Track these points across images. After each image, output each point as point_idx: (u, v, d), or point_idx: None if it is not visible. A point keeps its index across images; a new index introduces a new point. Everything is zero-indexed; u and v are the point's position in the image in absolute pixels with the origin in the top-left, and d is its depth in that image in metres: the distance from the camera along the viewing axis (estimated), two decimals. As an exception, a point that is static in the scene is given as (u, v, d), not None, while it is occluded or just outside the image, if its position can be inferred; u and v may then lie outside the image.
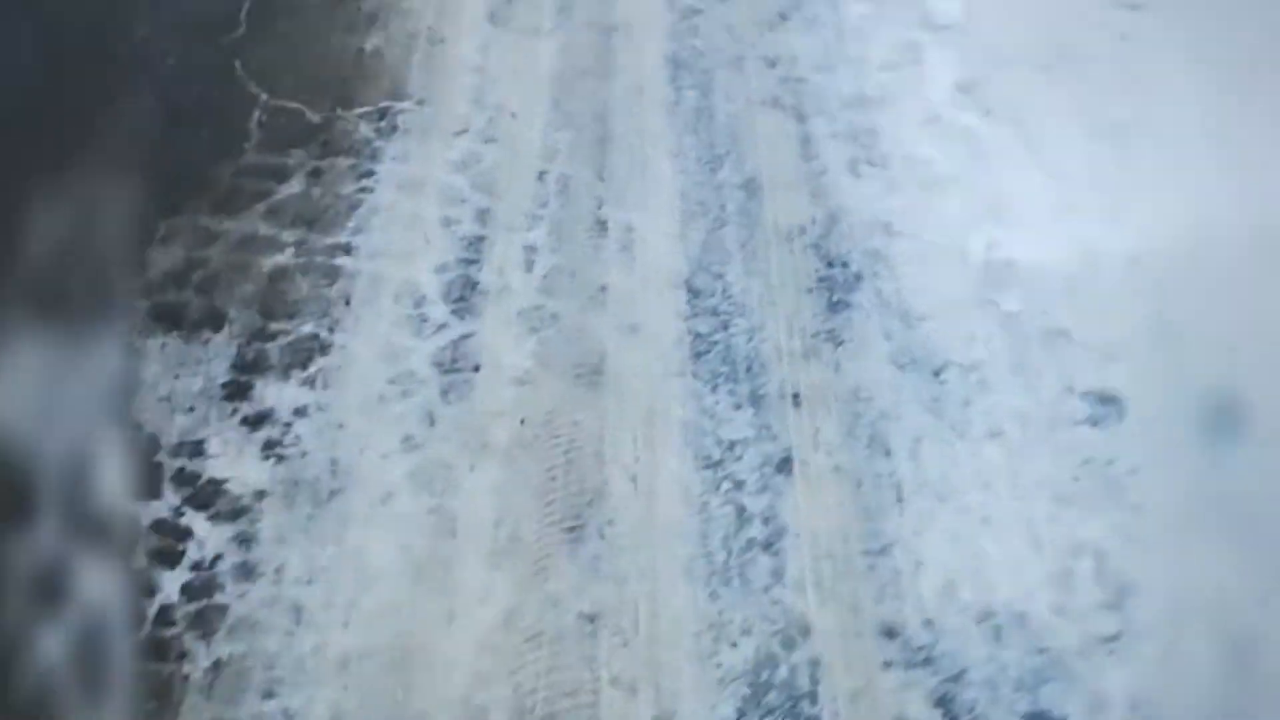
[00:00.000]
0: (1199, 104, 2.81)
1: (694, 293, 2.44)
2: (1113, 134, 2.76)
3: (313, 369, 2.31)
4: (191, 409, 2.24)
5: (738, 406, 2.21)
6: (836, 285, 2.44)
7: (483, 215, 2.66)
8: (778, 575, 1.96)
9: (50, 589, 1.56)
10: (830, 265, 2.48)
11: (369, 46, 3.19)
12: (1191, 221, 2.45)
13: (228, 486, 2.10)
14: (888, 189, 2.67)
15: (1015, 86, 2.94)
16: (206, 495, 2.07)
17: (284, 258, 2.53)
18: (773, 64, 3.08)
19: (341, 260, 2.53)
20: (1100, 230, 2.50)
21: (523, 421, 2.21)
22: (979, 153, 2.75)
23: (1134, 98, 2.88)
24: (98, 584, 1.63)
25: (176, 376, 2.28)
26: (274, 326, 2.38)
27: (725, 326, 2.36)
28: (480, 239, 2.59)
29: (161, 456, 2.12)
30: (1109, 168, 2.66)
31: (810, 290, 2.43)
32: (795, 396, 2.21)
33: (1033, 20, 3.16)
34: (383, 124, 2.91)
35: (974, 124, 2.83)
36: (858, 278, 2.45)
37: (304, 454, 2.17)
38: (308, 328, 2.38)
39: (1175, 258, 2.38)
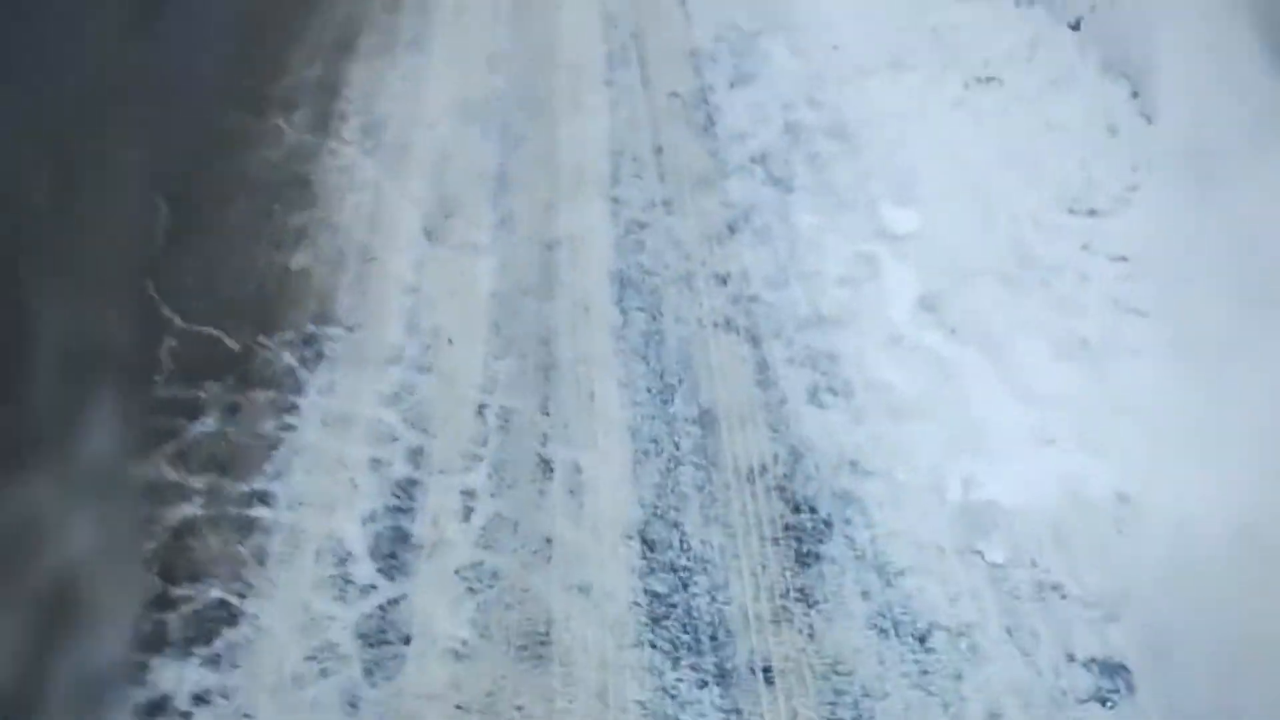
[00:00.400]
0: (1166, 318, 2.68)
1: (649, 545, 2.21)
2: (1082, 353, 2.62)
3: (218, 644, 2.03)
4: (75, 698, 1.94)
5: (702, 684, 1.96)
6: (805, 534, 2.23)
7: (416, 456, 2.43)
8: None
9: None
10: (797, 510, 2.27)
11: (295, 265, 3.01)
12: (1177, 451, 2.28)
13: (110, 801, 1.79)
14: (853, 420, 2.48)
15: (978, 300, 2.81)
16: (83, 815, 1.76)
17: (192, 508, 2.27)
18: (723, 281, 2.94)
19: (257, 511, 2.27)
20: (1081, 463, 2.33)
21: (459, 707, 1.94)
22: (946, 376, 2.59)
23: (1100, 312, 2.76)
24: None
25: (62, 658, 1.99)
26: (176, 592, 2.11)
27: (684, 585, 2.13)
28: (413, 483, 2.36)
29: (33, 763, 1.81)
30: (1082, 391, 2.51)
31: (777, 541, 2.22)
32: (767, 671, 1.97)
33: (991, 227, 3.06)
34: (308, 352, 2.70)
35: (938, 344, 2.68)
36: (827, 525, 2.24)
37: (202, 753, 1.87)
38: (215, 593, 2.11)
39: (1165, 494, 2.20)
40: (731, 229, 3.15)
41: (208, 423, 2.47)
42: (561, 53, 4.20)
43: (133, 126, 3.64)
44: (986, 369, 2.59)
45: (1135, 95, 3.17)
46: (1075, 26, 3.50)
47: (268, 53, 4.21)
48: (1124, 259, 2.92)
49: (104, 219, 3.21)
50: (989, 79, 3.74)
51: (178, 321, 2.77)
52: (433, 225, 3.19)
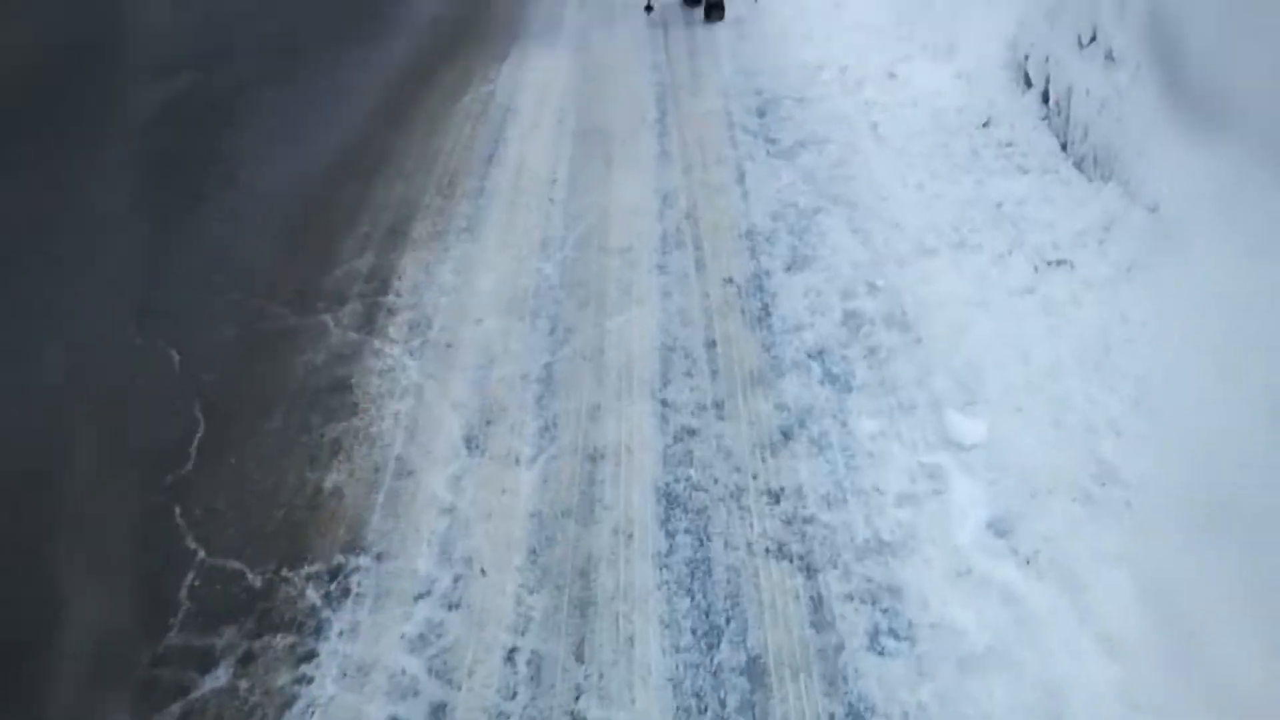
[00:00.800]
0: (1267, 552, 2.41)
1: (687, 841, 1.98)
2: (1167, 595, 2.36)
3: None
4: None
5: None
6: (862, 823, 1.98)
7: (438, 713, 2.24)
8: None
9: None
10: (855, 794, 2.03)
11: (329, 484, 2.88)
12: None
13: None
14: (917, 672, 2.25)
15: (1054, 524, 2.58)
16: None
17: (190, 792, 2.10)
18: (776, 498, 2.74)
19: (259, 793, 2.09)
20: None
21: None
22: (1022, 619, 2.34)
23: (1182, 535, 2.49)
24: None
25: None
26: None
27: None
28: (432, 751, 2.16)
29: None
30: (1170, 645, 2.25)
31: (830, 831, 1.97)
32: None
33: (1066, 436, 2.84)
34: (333, 587, 2.55)
35: (1012, 578, 2.44)
36: (889, 816, 1.99)
37: None
38: None
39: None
40: (786, 436, 2.96)
41: (219, 676, 2.32)
42: (615, 235, 4.12)
43: (175, 324, 3.61)
44: (1065, 610, 2.34)
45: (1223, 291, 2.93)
46: (1154, 209, 3.30)
47: (319, 241, 4.20)
48: (1189, 481, 2.65)
49: (139, 433, 3.14)
50: (1059, 262, 3.55)
51: (201, 553, 2.65)
52: (474, 434, 3.06)
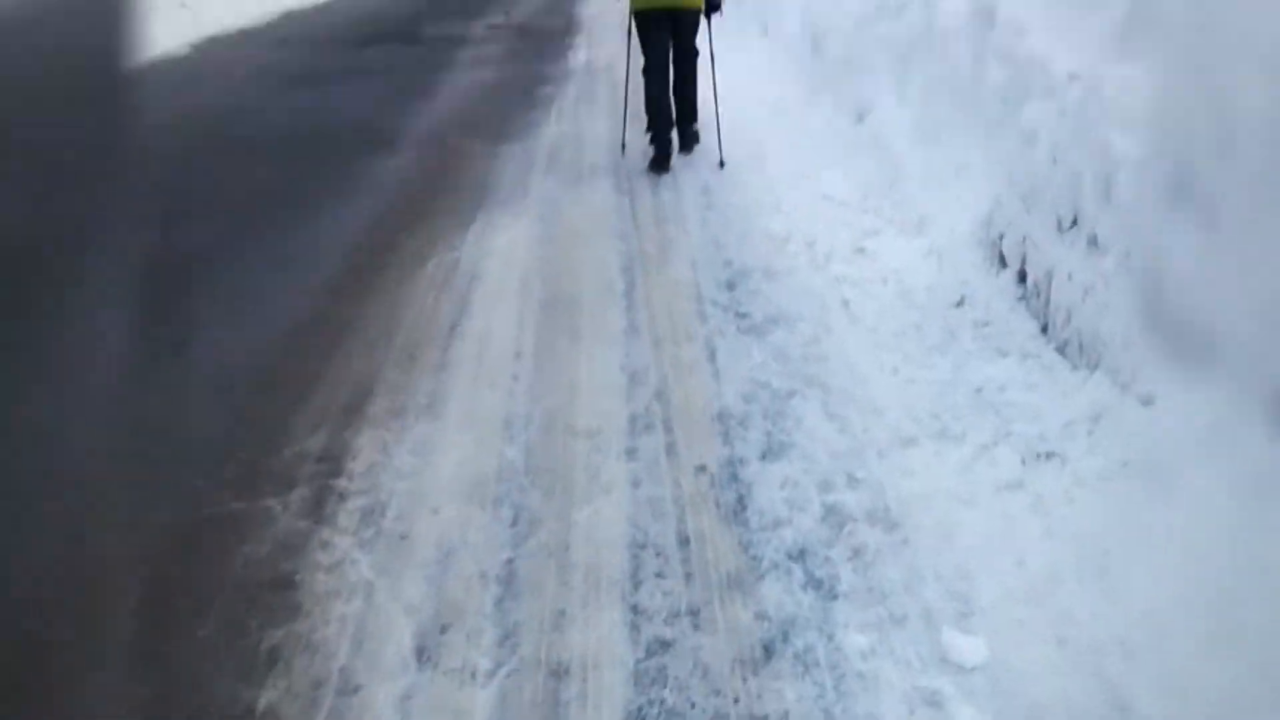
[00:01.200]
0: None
1: None
2: None
3: None
4: None
5: None
6: None
7: None
8: None
9: None
10: None
11: (263, 702, 2.59)
12: None
13: None
14: None
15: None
16: None
17: None
18: (761, 727, 2.48)
19: None
20: None
21: None
22: None
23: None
24: None
25: None
26: None
27: None
28: None
29: None
30: None
31: None
32: None
33: (1074, 660, 2.64)
34: (260, 834, 2.24)
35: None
36: None
37: None
38: None
39: None
40: (769, 651, 2.73)
41: None
42: (581, 417, 3.92)
43: (103, 504, 3.33)
44: None
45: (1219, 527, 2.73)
46: (1148, 403, 3.15)
47: (269, 417, 3.97)
48: None
49: (55, 632, 2.84)
50: (1048, 455, 3.39)
51: (113, 788, 2.33)
52: (426, 643, 2.80)
